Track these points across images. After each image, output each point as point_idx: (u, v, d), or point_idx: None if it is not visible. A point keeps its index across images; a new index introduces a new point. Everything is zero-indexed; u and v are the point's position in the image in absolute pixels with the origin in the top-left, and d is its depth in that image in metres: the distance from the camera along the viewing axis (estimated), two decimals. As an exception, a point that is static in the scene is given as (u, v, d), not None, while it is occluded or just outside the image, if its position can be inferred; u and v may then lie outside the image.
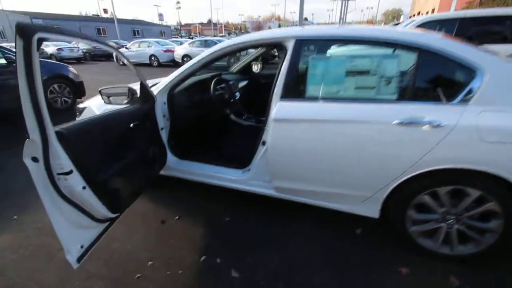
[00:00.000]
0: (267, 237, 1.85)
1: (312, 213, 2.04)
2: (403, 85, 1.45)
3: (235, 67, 3.20)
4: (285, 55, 1.67)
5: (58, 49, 15.63)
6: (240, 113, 2.66)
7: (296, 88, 1.65)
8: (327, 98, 1.57)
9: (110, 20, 32.18)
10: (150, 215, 2.11)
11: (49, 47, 15.90)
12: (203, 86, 2.43)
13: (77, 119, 1.97)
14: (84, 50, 16.99)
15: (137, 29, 35.33)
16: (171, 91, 2.08)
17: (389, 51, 1.51)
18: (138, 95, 1.82)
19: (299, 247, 1.77)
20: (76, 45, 16.74)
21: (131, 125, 1.60)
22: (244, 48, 1.83)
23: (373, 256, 1.67)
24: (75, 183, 1.21)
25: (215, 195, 2.32)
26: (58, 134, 1.14)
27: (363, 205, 1.66)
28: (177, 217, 2.08)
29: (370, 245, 1.76)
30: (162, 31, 39.69)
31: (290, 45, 1.66)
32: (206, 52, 1.89)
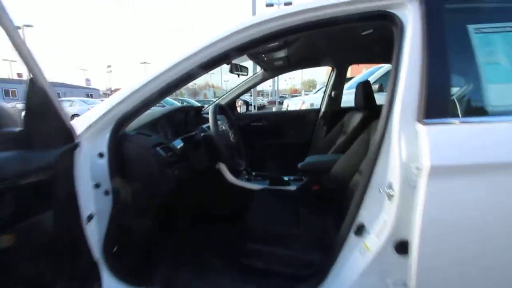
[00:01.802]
0: None
1: None
2: None
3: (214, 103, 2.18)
4: (402, 35, 0.77)
5: None
6: (238, 159, 1.50)
7: (463, 95, 0.72)
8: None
9: (23, 82, 28.44)
10: None
11: None
12: (185, 121, 1.31)
13: None
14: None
15: (59, 91, 32.01)
16: (120, 127, 0.90)
17: None
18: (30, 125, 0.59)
19: None
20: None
21: None
22: (304, 26, 0.86)
23: None
24: None
25: None
26: None
27: None
28: None
29: None
30: (89, 94, 36.89)
31: (410, 13, 0.77)
32: (221, 33, 0.85)
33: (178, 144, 1.14)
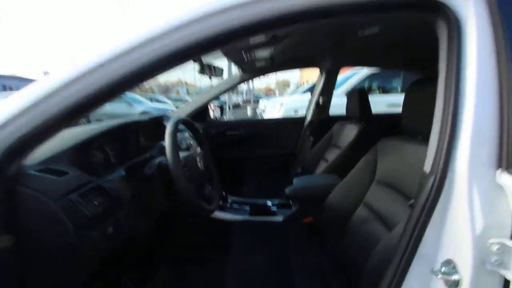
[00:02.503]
0: None
1: None
2: None
3: (182, 109, 1.83)
4: (460, 37, 0.50)
5: None
6: (209, 194, 1.16)
7: None
8: None
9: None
10: None
11: None
12: (139, 137, 0.97)
13: None
14: None
15: (10, 85, 28.75)
16: (10, 161, 0.53)
17: None
18: None
19: None
20: None
21: None
22: (303, 14, 0.57)
23: None
24: None
25: None
26: None
27: None
28: None
29: None
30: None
31: (471, 7, 0.51)
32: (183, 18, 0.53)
33: (119, 178, 0.79)
